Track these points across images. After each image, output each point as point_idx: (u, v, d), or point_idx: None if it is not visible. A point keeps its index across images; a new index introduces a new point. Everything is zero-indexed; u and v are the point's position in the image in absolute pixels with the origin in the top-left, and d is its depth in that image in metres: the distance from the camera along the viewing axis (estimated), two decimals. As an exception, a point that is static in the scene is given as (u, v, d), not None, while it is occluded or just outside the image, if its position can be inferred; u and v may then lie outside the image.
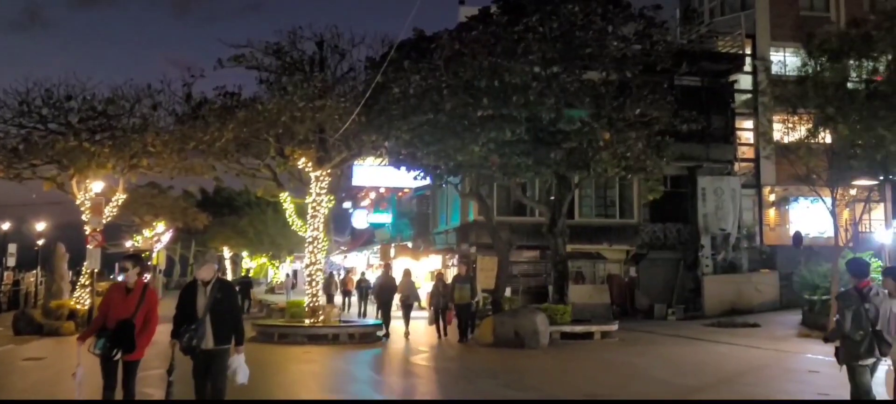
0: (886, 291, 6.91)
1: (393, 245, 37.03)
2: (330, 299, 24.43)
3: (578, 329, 17.31)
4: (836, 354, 6.89)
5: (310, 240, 17.89)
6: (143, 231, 37.92)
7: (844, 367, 6.89)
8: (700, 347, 16.51)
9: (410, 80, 14.70)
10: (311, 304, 17.71)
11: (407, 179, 41.76)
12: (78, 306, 20.45)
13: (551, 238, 17.99)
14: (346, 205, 59.64)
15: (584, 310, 21.68)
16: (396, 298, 19.01)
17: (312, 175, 17.81)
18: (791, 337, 18.66)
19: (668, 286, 28.95)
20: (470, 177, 24.40)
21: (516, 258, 26.97)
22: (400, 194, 45.82)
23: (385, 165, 47.18)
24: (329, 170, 17.91)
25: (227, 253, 67.32)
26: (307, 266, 18.06)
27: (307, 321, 17.60)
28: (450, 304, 17.00)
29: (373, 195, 53.94)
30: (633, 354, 15.05)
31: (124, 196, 21.67)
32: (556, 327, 16.81)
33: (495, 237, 22.30)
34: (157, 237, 38.15)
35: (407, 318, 18.37)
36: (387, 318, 18.21)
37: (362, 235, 52.48)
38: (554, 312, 17.31)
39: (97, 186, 20.55)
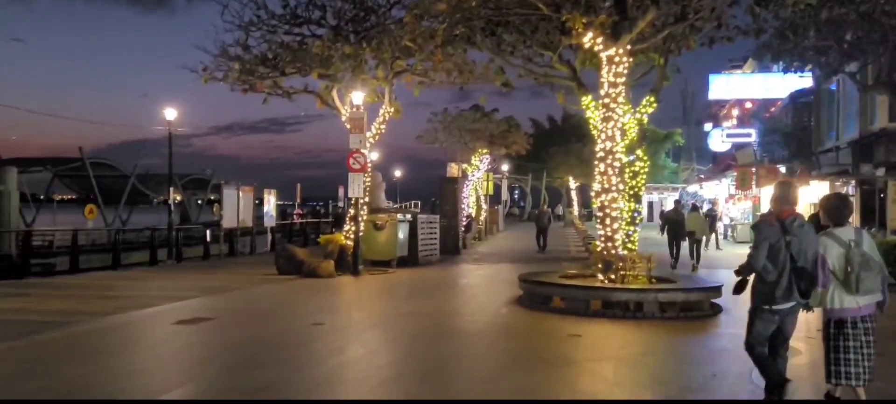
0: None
1: (754, 170, 28.27)
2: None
3: None
4: (740, 290, 5.41)
5: (600, 154, 11.72)
6: (471, 158, 35.23)
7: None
8: None
9: None
10: (604, 252, 11.64)
11: (778, 87, 32.44)
12: (348, 241, 17.26)
13: None
14: (707, 126, 51.49)
15: None
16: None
17: (603, 56, 11.50)
18: None
19: None
20: (878, 59, 15.68)
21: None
22: (771, 109, 36.44)
23: (751, 73, 38.01)
24: (629, 46, 11.40)
25: (572, 183, 63.20)
26: (596, 194, 11.92)
27: (600, 276, 11.60)
28: None
29: (736, 111, 45.13)
30: None
31: (392, 109, 17.80)
32: None
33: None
34: (478, 164, 35.18)
35: (696, 255, 18.67)
36: (676, 256, 18.77)
37: (723, 160, 43.88)
38: None
39: (357, 97, 16.91)
